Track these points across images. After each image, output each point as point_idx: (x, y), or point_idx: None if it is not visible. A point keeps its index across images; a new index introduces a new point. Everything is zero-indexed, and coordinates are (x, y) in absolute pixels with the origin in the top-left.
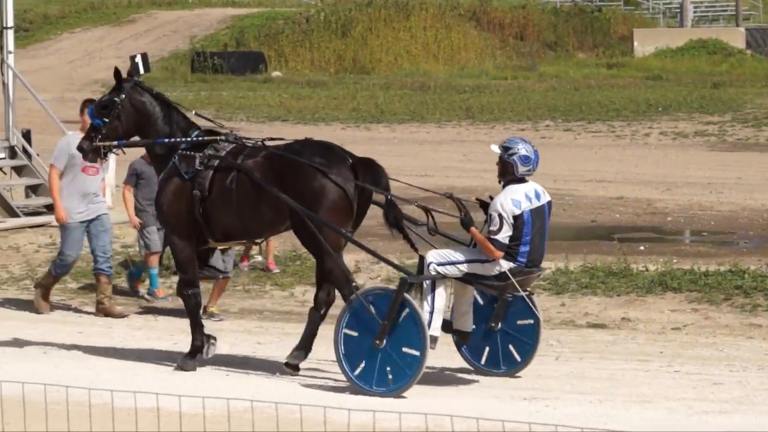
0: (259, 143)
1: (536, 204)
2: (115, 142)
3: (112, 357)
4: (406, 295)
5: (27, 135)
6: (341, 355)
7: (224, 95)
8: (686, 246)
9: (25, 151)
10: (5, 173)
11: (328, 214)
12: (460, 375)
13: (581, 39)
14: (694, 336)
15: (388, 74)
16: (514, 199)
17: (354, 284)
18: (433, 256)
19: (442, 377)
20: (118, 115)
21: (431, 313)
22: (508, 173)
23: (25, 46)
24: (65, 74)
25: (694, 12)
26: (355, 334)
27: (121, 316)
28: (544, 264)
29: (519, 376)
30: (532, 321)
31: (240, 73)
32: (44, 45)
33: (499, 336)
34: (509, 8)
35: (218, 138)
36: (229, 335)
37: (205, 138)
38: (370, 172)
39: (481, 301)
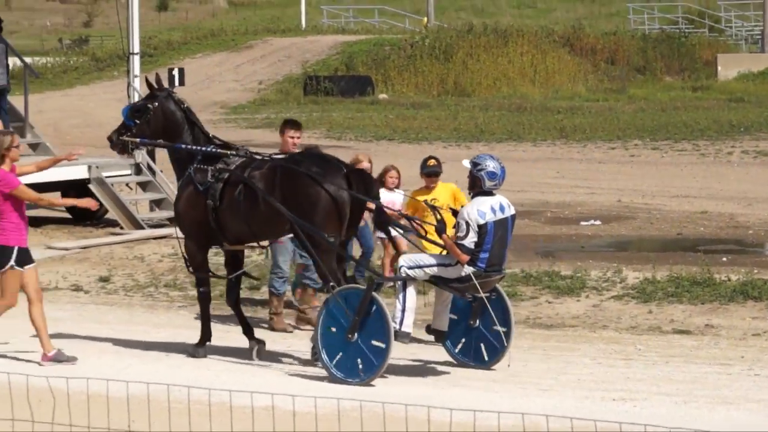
0: (266, 157)
1: (500, 216)
2: (138, 140)
3: (230, 359)
4: (374, 294)
5: (151, 153)
6: (320, 347)
7: (334, 116)
8: (767, 257)
9: (149, 167)
10: (131, 188)
11: (322, 218)
12: (554, 377)
13: (668, 63)
14: None
15: (487, 96)
16: (480, 210)
17: (331, 284)
18: (404, 260)
19: (536, 379)
20: (149, 120)
21: (402, 311)
22: (477, 186)
23: (149, 71)
24: (186, 96)
25: None
26: (333, 328)
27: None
28: None
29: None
30: (505, 329)
31: (349, 95)
32: (168, 69)
33: (476, 333)
34: (601, 34)
35: (229, 153)
36: None
37: (218, 150)
38: (361, 181)
39: (490, 307)
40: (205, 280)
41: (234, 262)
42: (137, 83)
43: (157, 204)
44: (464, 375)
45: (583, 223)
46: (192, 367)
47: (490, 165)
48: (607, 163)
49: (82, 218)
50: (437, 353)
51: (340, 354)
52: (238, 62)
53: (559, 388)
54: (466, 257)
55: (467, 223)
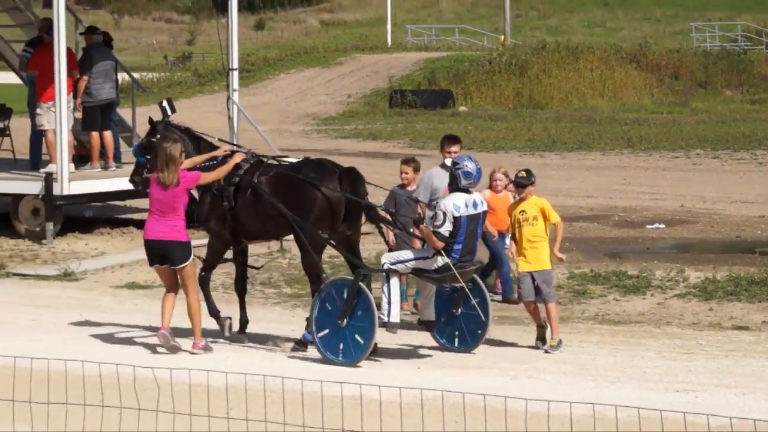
0: (272, 162)
1: (472, 212)
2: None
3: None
4: (361, 284)
5: None
6: (314, 332)
7: (417, 127)
8: None
9: None
10: None
11: (317, 217)
12: (621, 369)
13: (728, 78)
14: None
15: (560, 109)
16: (455, 204)
17: (324, 275)
18: (386, 257)
19: (605, 372)
20: (157, 152)
21: (389, 303)
22: (454, 183)
23: (247, 85)
24: (281, 109)
25: None
26: (325, 314)
27: None
28: None
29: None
30: (479, 312)
31: (431, 108)
32: (264, 84)
33: (459, 320)
34: (665, 52)
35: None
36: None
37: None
38: (351, 180)
39: (470, 294)
40: (210, 268)
41: (241, 256)
42: (236, 97)
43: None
44: (538, 367)
45: (648, 226)
46: (286, 358)
47: (468, 165)
48: (670, 170)
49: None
50: (517, 349)
51: (331, 337)
52: (328, 77)
53: (625, 380)
54: (441, 244)
55: (444, 213)
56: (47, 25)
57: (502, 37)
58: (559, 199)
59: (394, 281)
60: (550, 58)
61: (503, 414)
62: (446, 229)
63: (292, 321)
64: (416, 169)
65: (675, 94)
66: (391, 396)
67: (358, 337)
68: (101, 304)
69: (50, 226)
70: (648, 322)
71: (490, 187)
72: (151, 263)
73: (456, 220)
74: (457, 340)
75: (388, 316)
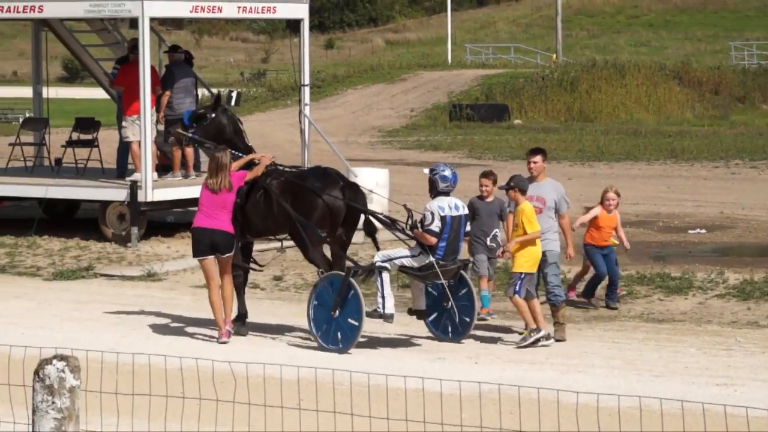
0: (286, 169)
1: (455, 213)
2: (189, 134)
3: (386, 347)
4: (352, 279)
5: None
6: (310, 320)
7: (475, 139)
8: None
9: None
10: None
11: (318, 220)
12: (664, 365)
13: (765, 94)
14: None
15: (608, 122)
16: (440, 205)
17: (320, 270)
18: (378, 255)
19: (649, 367)
20: (204, 126)
21: (383, 297)
22: (434, 188)
23: (318, 100)
24: (349, 122)
25: None
26: (320, 306)
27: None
28: None
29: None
30: (468, 303)
31: (488, 121)
32: (333, 98)
33: (449, 312)
34: (706, 69)
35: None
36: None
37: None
38: (354, 193)
39: (449, 292)
40: (237, 265)
41: (246, 253)
42: (307, 110)
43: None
44: (587, 362)
45: (690, 231)
46: (352, 353)
47: (444, 171)
48: (711, 179)
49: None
50: (567, 345)
51: (325, 326)
52: (393, 92)
53: (669, 375)
54: (434, 239)
55: (432, 213)
56: (132, 45)
57: (555, 55)
58: None
59: (386, 276)
60: (599, 74)
61: (555, 406)
62: (436, 226)
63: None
64: (494, 182)
65: (715, 108)
66: (451, 389)
67: (348, 327)
68: (182, 302)
69: (135, 231)
70: (690, 320)
71: (602, 203)
72: (199, 253)
73: (441, 219)
74: (450, 330)
75: (383, 308)
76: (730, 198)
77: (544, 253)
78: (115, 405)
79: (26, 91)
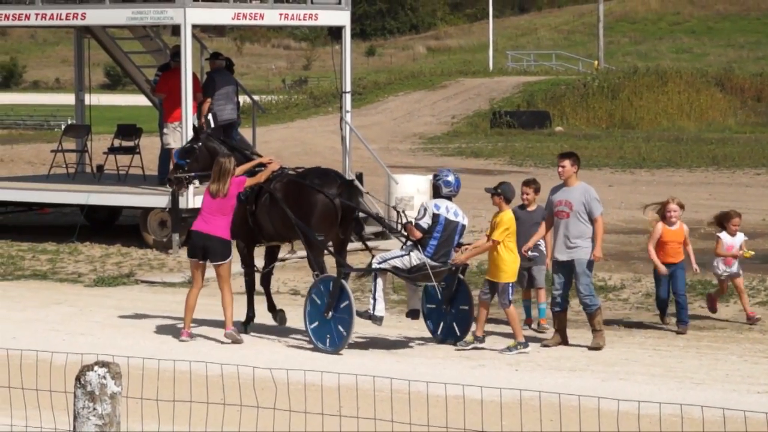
0: (288, 171)
1: (452, 218)
2: (193, 174)
3: (428, 354)
4: (343, 281)
5: (360, 177)
6: (306, 322)
7: (516, 146)
8: None
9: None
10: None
11: (318, 219)
12: (706, 372)
13: None
14: None
15: (649, 129)
16: (436, 204)
17: (316, 273)
18: (376, 258)
19: (690, 374)
20: (197, 157)
21: (374, 299)
22: (437, 193)
23: (359, 107)
24: (390, 129)
25: None
26: (315, 307)
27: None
28: None
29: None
30: (467, 307)
31: (529, 128)
32: (374, 105)
33: (450, 316)
34: (749, 75)
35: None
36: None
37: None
38: (350, 191)
39: (439, 293)
40: (248, 266)
41: (270, 256)
42: (349, 117)
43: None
44: (628, 370)
45: None
46: (393, 360)
47: (448, 177)
48: (753, 186)
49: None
50: (607, 353)
51: (320, 327)
52: (434, 99)
53: (710, 382)
54: (419, 234)
55: (425, 208)
56: (174, 52)
57: (596, 62)
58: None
59: (380, 280)
60: (641, 81)
61: (596, 413)
62: (425, 222)
63: (399, 325)
64: (537, 190)
65: (757, 115)
66: (491, 396)
67: (340, 328)
68: (217, 309)
69: (176, 237)
70: (731, 327)
71: (663, 218)
72: (192, 255)
73: (435, 217)
74: (448, 332)
75: (374, 309)
76: None
77: (572, 262)
78: (156, 411)
79: (68, 98)
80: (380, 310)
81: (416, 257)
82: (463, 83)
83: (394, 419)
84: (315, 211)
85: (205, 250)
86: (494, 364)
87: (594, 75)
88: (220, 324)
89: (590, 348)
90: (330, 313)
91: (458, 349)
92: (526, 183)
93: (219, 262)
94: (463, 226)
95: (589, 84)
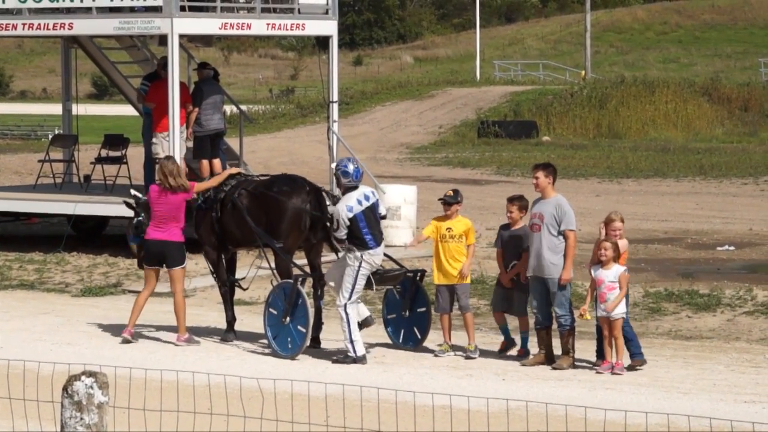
0: (254, 178)
1: (366, 204)
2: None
3: (415, 364)
4: (300, 288)
5: None
6: (266, 327)
7: (503, 155)
8: None
9: None
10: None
11: (287, 226)
12: (692, 382)
13: None
14: None
15: (636, 139)
16: (348, 205)
17: (272, 279)
18: (340, 299)
19: (677, 384)
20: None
21: (351, 342)
22: (339, 183)
23: (346, 117)
24: (377, 138)
25: None
26: (274, 312)
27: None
28: None
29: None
30: (425, 309)
31: (516, 137)
32: (361, 115)
33: (407, 321)
34: (736, 85)
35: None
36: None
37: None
38: (317, 198)
39: (397, 296)
40: (220, 277)
41: (229, 266)
42: (336, 127)
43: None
44: (614, 379)
45: (718, 248)
46: (380, 370)
47: (347, 167)
48: (740, 196)
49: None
50: (591, 364)
51: (278, 333)
52: (421, 109)
53: (697, 392)
54: (341, 244)
55: (337, 220)
56: (164, 62)
57: (583, 72)
58: (636, 223)
59: (351, 320)
60: (628, 91)
61: (583, 423)
62: (341, 234)
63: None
64: (522, 208)
65: (744, 125)
66: (478, 405)
67: (297, 333)
68: (209, 319)
69: None
70: (718, 337)
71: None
72: (149, 263)
73: (351, 220)
74: (407, 338)
75: (355, 353)
76: (759, 215)
77: (545, 279)
78: (143, 421)
79: (56, 108)
80: (360, 349)
81: (366, 260)
82: (450, 93)
83: (381, 429)
84: (284, 218)
85: (162, 256)
86: (481, 373)
87: (581, 85)
88: (212, 336)
89: (553, 368)
90: (287, 319)
91: (437, 356)
92: (510, 200)
93: (175, 267)
94: (377, 201)
95: (576, 94)
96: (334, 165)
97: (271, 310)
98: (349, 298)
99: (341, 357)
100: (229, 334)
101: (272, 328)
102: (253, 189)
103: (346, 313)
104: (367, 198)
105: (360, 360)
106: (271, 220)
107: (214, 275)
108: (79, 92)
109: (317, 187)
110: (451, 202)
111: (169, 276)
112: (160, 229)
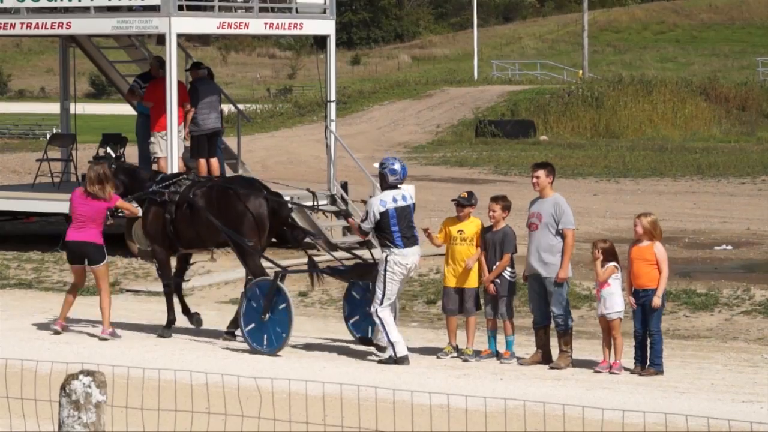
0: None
1: (401, 204)
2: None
3: (412, 365)
4: (279, 284)
5: (345, 186)
6: (242, 324)
7: (501, 155)
8: None
9: (342, 198)
10: (327, 216)
11: (247, 227)
12: (690, 381)
13: None
14: None
15: (634, 138)
16: (381, 200)
17: (249, 277)
18: (373, 307)
19: (675, 383)
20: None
21: (392, 343)
22: (384, 182)
23: (344, 116)
24: (375, 138)
25: None
26: (252, 309)
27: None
28: None
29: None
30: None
31: (514, 137)
32: (359, 114)
33: (370, 318)
34: (733, 85)
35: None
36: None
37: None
38: (276, 199)
39: (358, 296)
40: (166, 276)
41: (182, 265)
42: (333, 126)
43: (348, 230)
44: (612, 379)
45: (716, 247)
46: (378, 369)
47: (394, 165)
48: (737, 195)
49: None
50: (593, 362)
51: (256, 329)
52: (419, 108)
53: (695, 391)
54: (363, 236)
55: (368, 211)
56: (160, 62)
57: (581, 71)
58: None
59: (388, 321)
60: (625, 90)
61: (581, 422)
62: (368, 225)
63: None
64: (505, 208)
65: (742, 124)
66: (476, 405)
67: (278, 329)
68: (207, 318)
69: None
70: (716, 337)
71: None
72: (72, 261)
73: (383, 214)
74: (370, 333)
75: (396, 353)
76: (757, 214)
77: (543, 278)
78: (140, 420)
79: (53, 107)
80: (401, 350)
81: (393, 260)
82: (447, 92)
83: (378, 428)
84: (244, 220)
85: (82, 256)
86: (478, 373)
87: (578, 84)
88: (210, 334)
89: (551, 367)
90: (267, 316)
91: (439, 357)
92: (494, 199)
93: (96, 266)
94: (413, 205)
95: (574, 93)
96: (376, 164)
97: (247, 306)
98: (381, 304)
99: (384, 358)
100: (166, 331)
101: (248, 322)
102: (208, 189)
103: (380, 317)
104: (404, 198)
105: (401, 361)
106: (230, 220)
107: (160, 274)
108: (77, 91)
109: (276, 192)
110: (464, 204)
111: (93, 274)
112: (79, 230)
